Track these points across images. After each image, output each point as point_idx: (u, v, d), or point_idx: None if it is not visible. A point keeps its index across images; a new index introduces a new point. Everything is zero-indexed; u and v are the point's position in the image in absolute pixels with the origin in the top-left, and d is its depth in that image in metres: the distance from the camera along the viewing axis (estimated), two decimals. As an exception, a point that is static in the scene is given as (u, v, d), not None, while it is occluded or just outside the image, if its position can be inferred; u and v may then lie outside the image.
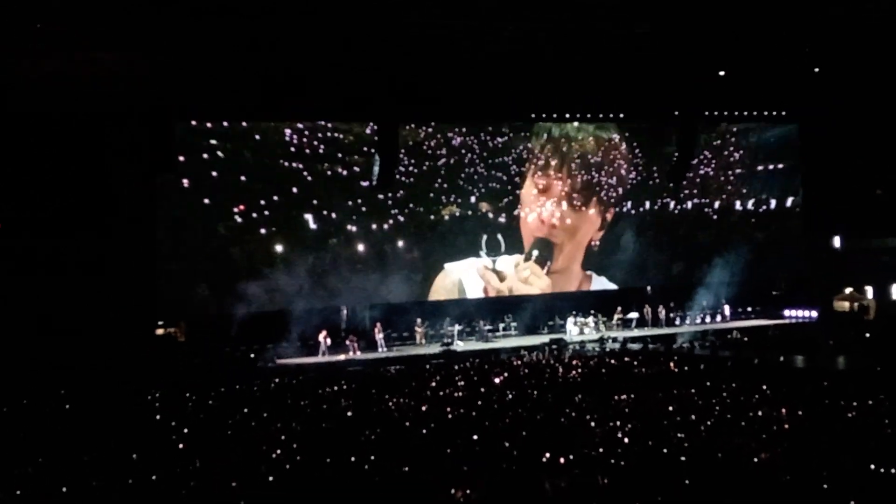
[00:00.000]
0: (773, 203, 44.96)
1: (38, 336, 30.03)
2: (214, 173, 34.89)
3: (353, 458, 14.00)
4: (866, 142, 39.75)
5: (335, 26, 26.09)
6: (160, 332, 35.33)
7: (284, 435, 16.83)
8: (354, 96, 33.18)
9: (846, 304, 42.96)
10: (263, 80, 30.89)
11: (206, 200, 34.90)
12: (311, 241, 36.68)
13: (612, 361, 28.57)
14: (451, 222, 39.13)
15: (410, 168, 38.07)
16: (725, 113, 41.57)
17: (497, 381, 24.37)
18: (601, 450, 13.83)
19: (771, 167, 44.61)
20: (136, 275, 32.64)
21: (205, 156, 34.80)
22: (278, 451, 15.07)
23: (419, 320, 38.02)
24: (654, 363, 27.42)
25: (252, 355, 33.68)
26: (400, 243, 38.37)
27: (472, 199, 39.41)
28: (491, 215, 39.73)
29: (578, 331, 39.55)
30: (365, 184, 37.03)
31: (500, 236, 39.77)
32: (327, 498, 12.00)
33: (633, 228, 41.97)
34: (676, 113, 39.46)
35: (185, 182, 34.70)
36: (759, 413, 16.88)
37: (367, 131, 37.02)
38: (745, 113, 41.81)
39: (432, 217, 38.84)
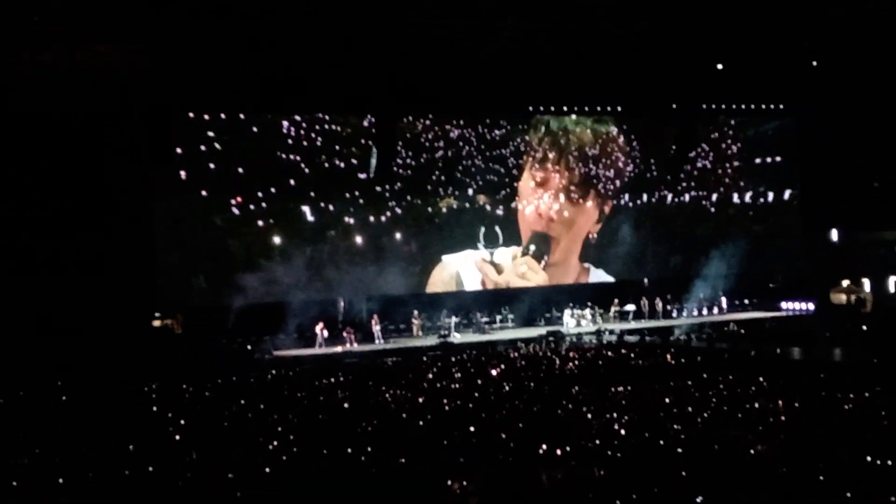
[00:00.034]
0: (770, 196, 44.99)
1: (35, 329, 30.05)
2: (212, 165, 34.86)
3: (349, 450, 14.00)
4: (864, 135, 39.73)
5: (333, 21, 26.08)
6: (157, 323, 35.41)
7: (281, 427, 16.81)
8: (352, 89, 33.14)
9: (843, 297, 43.01)
10: (261, 73, 30.88)
11: (204, 192, 34.91)
12: (309, 234, 36.71)
13: (609, 353, 28.56)
14: (449, 215, 39.14)
15: (408, 160, 38.08)
16: (723, 106, 41.57)
17: (494, 373, 24.36)
18: (598, 442, 13.83)
19: (768, 160, 44.62)
20: (132, 267, 32.66)
21: (202, 148, 34.79)
22: (275, 443, 15.06)
23: (416, 312, 38.02)
24: (651, 355, 27.40)
25: (249, 347, 33.70)
26: (397, 235, 38.42)
27: (470, 191, 39.43)
28: (488, 208, 39.73)
29: (575, 323, 39.52)
30: (362, 176, 37.06)
31: (497, 228, 39.78)
32: (324, 489, 11.98)
33: (630, 221, 42.00)
34: (674, 106, 39.44)
35: (183, 174, 34.72)
36: (756, 405, 16.87)
37: (365, 124, 37.01)
38: (743, 106, 41.81)
39: (430, 209, 38.84)
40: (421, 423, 16.58)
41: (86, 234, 32.23)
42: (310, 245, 36.42)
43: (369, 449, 14.01)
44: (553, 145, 40.91)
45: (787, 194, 45.17)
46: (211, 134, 35.03)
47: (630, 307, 41.71)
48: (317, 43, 27.98)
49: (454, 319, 38.22)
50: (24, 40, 25.98)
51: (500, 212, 39.94)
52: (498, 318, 39.90)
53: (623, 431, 14.72)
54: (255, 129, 35.89)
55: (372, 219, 37.71)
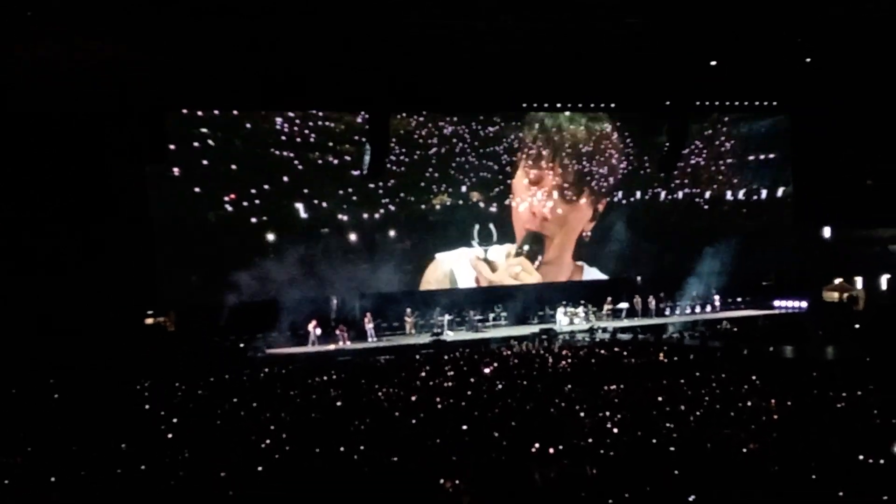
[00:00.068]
0: (763, 193, 45.00)
1: (27, 327, 29.95)
2: (205, 162, 34.79)
3: (342, 448, 14.00)
4: (857, 132, 39.74)
5: (327, 18, 26.00)
6: (150, 321, 35.31)
7: (274, 425, 16.82)
8: (345, 86, 33.08)
9: (836, 295, 43.07)
10: (255, 69, 30.80)
11: (197, 189, 34.84)
12: (302, 231, 36.59)
13: (602, 352, 28.63)
14: (443, 212, 39.10)
15: (401, 157, 38.01)
16: (717, 103, 41.50)
17: (487, 371, 24.40)
18: (590, 440, 13.85)
19: (762, 157, 44.62)
20: (125, 264, 32.55)
21: (195, 144, 34.70)
22: (268, 441, 15.07)
23: (409, 310, 38.01)
24: (644, 353, 27.46)
25: (242, 345, 33.69)
26: (391, 233, 38.31)
27: (464, 188, 39.38)
28: (482, 205, 39.71)
29: (568, 321, 39.55)
30: (356, 173, 36.98)
31: (492, 226, 39.76)
32: (317, 488, 11.98)
33: (623, 218, 41.93)
34: (668, 103, 39.41)
35: (176, 171, 34.61)
36: (749, 403, 16.92)
37: (358, 120, 36.93)
38: (737, 103, 41.77)
39: (423, 207, 38.80)
40: (413, 421, 16.60)
41: (78, 232, 32.18)
42: (303, 242, 36.29)
43: (362, 447, 14.02)
44: (547, 143, 40.88)
45: (780, 191, 45.19)
46: (204, 130, 34.95)
47: (623, 305, 41.75)
48: (310, 39, 27.88)
49: (447, 317, 38.25)
50: (17, 36, 25.86)
51: (493, 209, 39.90)
52: (491, 316, 39.91)
53: (616, 430, 14.75)
54: (248, 125, 35.80)
55: (365, 216, 37.63)
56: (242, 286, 33.97)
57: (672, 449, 13.05)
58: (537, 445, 13.35)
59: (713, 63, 33.37)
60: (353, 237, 37.59)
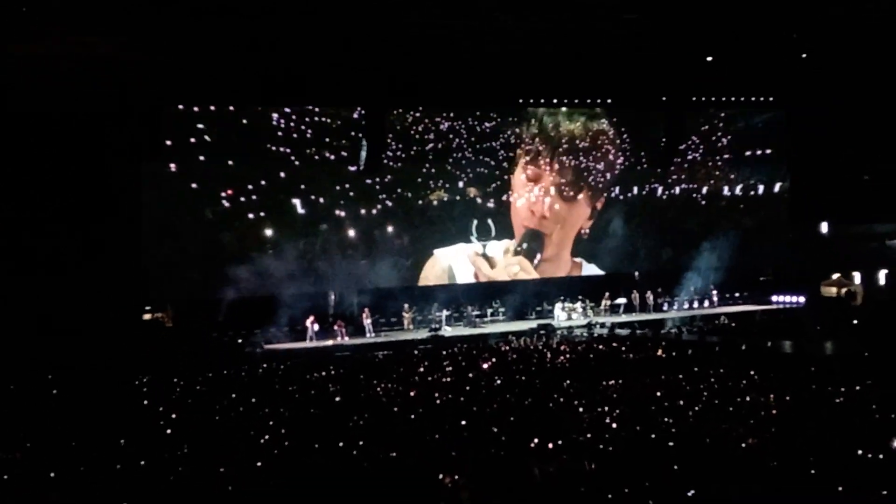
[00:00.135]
0: (760, 189, 45.04)
1: (25, 323, 29.90)
2: (202, 158, 34.75)
3: (341, 444, 13.99)
4: (854, 128, 39.73)
5: (324, 14, 25.99)
6: (147, 317, 35.32)
7: (272, 420, 16.80)
8: (342, 82, 33.07)
9: (833, 290, 43.11)
10: (251, 65, 30.78)
11: (194, 185, 34.81)
12: (300, 226, 36.63)
13: (600, 347, 28.61)
14: (440, 207, 39.11)
15: (398, 153, 38.00)
16: (713, 98, 41.52)
17: (485, 366, 24.39)
18: (589, 435, 13.83)
19: (759, 153, 44.64)
20: (122, 260, 32.55)
21: (192, 140, 34.65)
22: (266, 437, 15.04)
23: (406, 306, 38.03)
24: (642, 349, 27.45)
25: (240, 340, 33.66)
26: (389, 228, 38.32)
27: (460, 184, 39.39)
28: (479, 200, 39.72)
29: (566, 316, 39.62)
30: (353, 169, 36.98)
31: (490, 221, 39.77)
32: (316, 483, 11.97)
33: (621, 214, 41.98)
34: (664, 98, 39.41)
35: (173, 167, 34.59)
36: (747, 398, 16.91)
37: (355, 116, 36.91)
38: (733, 98, 41.77)
39: (420, 202, 38.80)
40: (412, 416, 16.58)
41: (75, 229, 32.13)
42: (300, 238, 36.34)
43: (360, 443, 14.00)
44: (544, 140, 40.88)
45: (777, 187, 45.22)
46: (201, 126, 34.91)
47: (621, 300, 41.84)
48: (306, 36, 27.89)
49: (445, 313, 38.28)
50: (14, 35, 25.84)
51: (491, 204, 39.93)
52: (489, 311, 39.98)
53: (614, 425, 14.73)
54: (244, 121, 35.77)
55: (363, 212, 37.64)
56: (240, 282, 33.96)
57: (671, 444, 13.03)
58: (536, 440, 13.34)
59: (709, 59, 33.36)
60: (350, 233, 37.58)
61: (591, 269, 42.43)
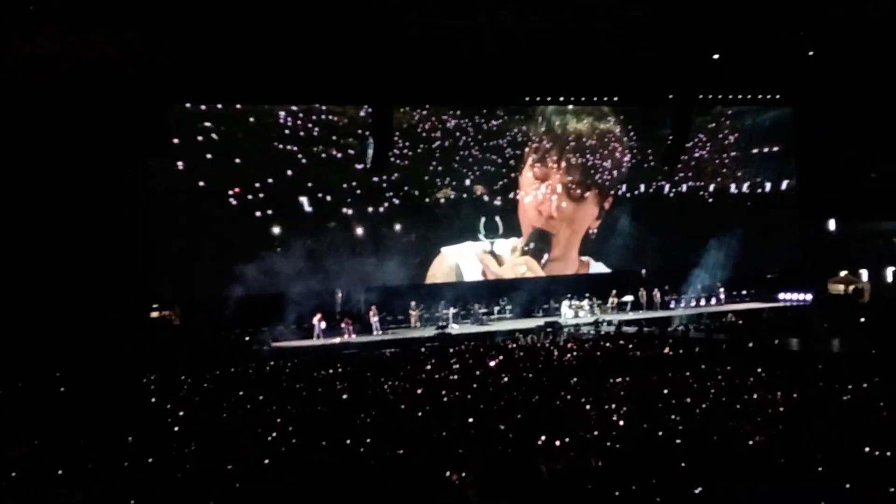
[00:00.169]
0: (768, 186, 45.00)
1: (33, 321, 29.93)
2: (209, 155, 34.83)
3: (348, 442, 13.99)
4: (861, 125, 39.64)
5: (332, 11, 26.00)
6: (155, 315, 35.34)
7: (280, 418, 16.81)
8: (349, 80, 33.07)
9: (841, 287, 42.97)
10: (258, 63, 30.79)
11: (201, 183, 34.88)
12: (307, 224, 36.65)
13: (607, 344, 28.55)
14: (447, 205, 39.11)
15: (405, 151, 38.03)
16: (720, 96, 41.48)
17: (492, 364, 24.35)
18: (596, 433, 13.82)
19: (766, 150, 44.65)
20: (130, 258, 32.59)
21: (199, 138, 34.74)
22: (273, 434, 15.06)
23: (413, 303, 38.02)
24: (649, 346, 27.41)
25: (247, 338, 33.69)
26: (396, 226, 38.34)
27: (467, 181, 39.41)
28: (486, 198, 39.74)
29: (573, 314, 39.57)
30: (359, 167, 36.98)
31: (498, 219, 39.77)
32: (323, 481, 11.98)
33: (628, 212, 41.94)
34: (671, 96, 39.35)
35: (180, 164, 34.67)
36: (754, 396, 16.88)
37: (361, 114, 36.93)
38: (740, 96, 41.73)
39: (427, 200, 38.82)
40: (419, 414, 16.58)
41: (82, 227, 32.16)
42: (308, 236, 36.36)
43: (368, 440, 14.01)
44: (553, 139, 40.88)
45: (784, 184, 45.19)
46: (208, 124, 34.98)
47: (628, 298, 41.76)
48: (314, 34, 27.92)
49: (452, 310, 38.28)
50: (18, 29, 25.85)
51: (498, 202, 39.96)
52: (496, 309, 39.96)
53: (621, 422, 14.71)
54: (251, 119, 35.85)
55: (370, 210, 37.68)
56: (247, 280, 33.98)
57: (678, 441, 13.03)
58: (543, 438, 13.34)
59: (716, 56, 33.32)
60: (357, 231, 37.61)
61: (598, 268, 42.41)
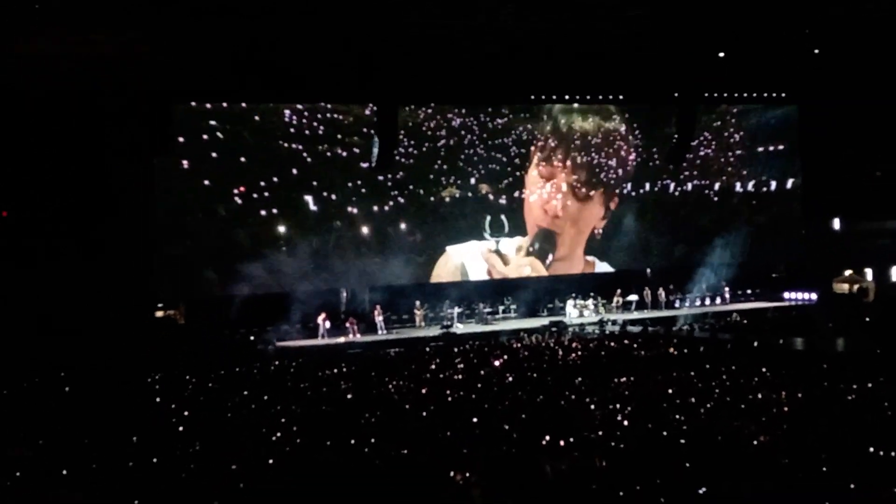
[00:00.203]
0: (773, 185, 44.91)
1: (38, 320, 29.96)
2: (214, 154, 34.81)
3: (352, 441, 14.02)
4: (866, 124, 39.58)
5: (337, 9, 25.99)
6: (160, 314, 35.39)
7: (284, 417, 16.84)
8: (354, 78, 33.06)
9: (846, 287, 43.00)
10: (263, 62, 30.78)
11: (206, 182, 34.85)
12: (312, 223, 36.61)
13: (612, 344, 28.60)
14: (452, 204, 39.06)
15: (410, 149, 37.98)
16: (725, 94, 41.43)
17: (496, 363, 24.40)
18: (601, 432, 13.85)
19: (771, 149, 44.56)
20: (132, 258, 32.61)
21: (204, 137, 34.72)
22: (278, 434, 15.09)
23: (418, 303, 37.98)
24: (654, 346, 27.44)
25: (252, 338, 33.70)
26: (401, 225, 38.29)
27: (472, 180, 39.36)
28: (491, 197, 39.69)
29: (578, 313, 39.55)
30: (365, 165, 36.96)
31: (503, 217, 39.75)
32: (327, 481, 12.00)
33: (633, 211, 41.89)
34: (676, 94, 39.31)
35: (185, 163, 34.64)
36: (759, 395, 16.91)
37: (367, 113, 36.91)
38: (745, 94, 41.68)
39: (432, 199, 38.77)
40: (424, 413, 16.60)
41: (85, 226, 32.18)
42: (313, 235, 36.35)
43: (372, 440, 14.03)
44: (557, 137, 40.85)
45: (789, 183, 45.10)
46: (213, 123, 34.98)
47: (633, 297, 41.71)
48: (315, 33, 27.91)
49: (457, 310, 38.25)
50: (19, 29, 25.86)
51: (503, 201, 39.89)
52: (500, 308, 39.92)
53: (626, 422, 14.75)
54: (256, 118, 35.83)
55: (375, 208, 37.63)
56: (252, 279, 34.00)
57: (682, 441, 13.05)
58: (547, 438, 13.36)
59: (721, 55, 33.29)
60: (362, 230, 37.58)
61: (603, 268, 42.37)
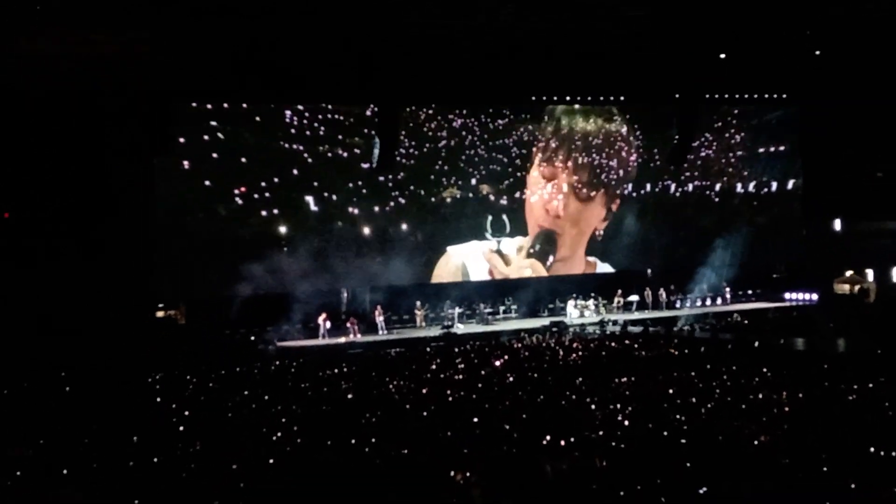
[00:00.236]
0: (774, 185, 44.92)
1: (38, 320, 29.96)
2: (215, 155, 34.80)
3: (353, 441, 14.02)
4: (868, 124, 39.58)
5: (337, 10, 26.00)
6: (160, 314, 35.37)
7: (285, 418, 16.84)
8: (355, 79, 33.06)
9: (847, 287, 43.01)
10: (263, 62, 30.80)
11: (207, 182, 34.82)
12: (313, 224, 36.59)
13: (613, 344, 28.59)
14: (453, 205, 39.04)
15: (411, 150, 37.98)
16: (726, 95, 41.43)
17: (497, 363, 24.40)
18: (601, 432, 13.85)
19: (772, 149, 44.55)
20: (132, 258, 32.61)
21: (205, 137, 34.70)
22: (278, 434, 15.09)
23: (419, 303, 37.96)
24: (655, 346, 27.44)
25: (252, 338, 33.70)
26: (402, 226, 38.25)
27: (473, 181, 39.34)
28: (492, 198, 39.67)
29: (579, 314, 39.53)
30: (365, 166, 36.95)
31: (505, 217, 39.73)
32: (328, 481, 12.00)
33: (634, 211, 41.88)
34: (677, 95, 39.30)
35: (186, 164, 34.62)
36: (759, 396, 16.91)
37: (367, 113, 36.90)
38: (746, 95, 41.67)
39: (433, 200, 38.74)
40: (424, 413, 16.61)
41: (89, 225, 32.20)
42: (313, 235, 36.33)
43: (373, 440, 14.03)
44: (560, 139, 40.84)
45: (790, 184, 45.10)
46: (214, 124, 34.97)
47: (633, 298, 41.70)
48: (314, 33, 27.92)
49: (457, 310, 38.23)
50: (19, 29, 25.87)
51: (504, 202, 39.87)
52: (501, 308, 39.90)
53: (626, 422, 14.76)
54: (257, 118, 35.81)
55: (376, 209, 37.60)
56: (253, 279, 33.98)
57: (683, 441, 13.05)
58: (548, 438, 13.37)
59: (722, 56, 33.29)
60: (363, 230, 37.55)
61: (604, 269, 42.36)
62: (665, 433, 13.64)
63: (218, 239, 34.96)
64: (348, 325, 35.44)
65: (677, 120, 40.93)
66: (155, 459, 13.37)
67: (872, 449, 12.03)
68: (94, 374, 24.89)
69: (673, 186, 43.12)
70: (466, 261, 39.52)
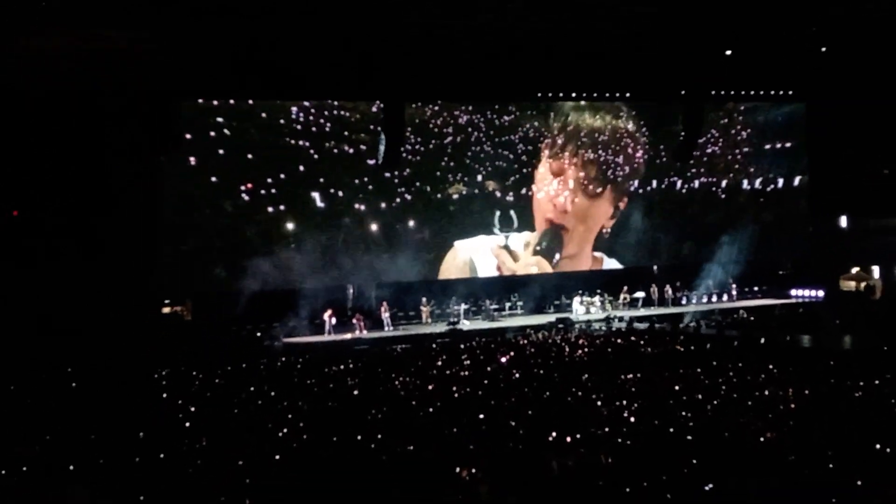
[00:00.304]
0: (780, 182, 44.90)
1: (45, 316, 29.99)
2: (221, 151, 34.84)
3: (359, 437, 14.03)
4: (874, 121, 39.50)
5: (331, 10, 26.00)
6: (167, 310, 35.43)
7: (291, 414, 16.85)
8: (360, 75, 33.05)
9: (853, 284, 42.95)
10: (270, 58, 30.78)
11: (214, 178, 34.88)
12: (319, 220, 36.63)
13: (619, 341, 28.56)
14: (460, 201, 39.06)
15: (417, 146, 38.01)
16: (732, 92, 41.35)
17: (503, 360, 24.38)
18: (607, 429, 13.84)
19: (778, 146, 44.53)
20: (137, 255, 32.65)
21: (211, 134, 34.74)
22: (285, 430, 15.10)
23: (425, 299, 38.00)
24: (661, 342, 27.40)
25: (258, 334, 33.76)
26: (409, 222, 38.29)
27: (479, 177, 39.35)
28: (498, 194, 39.66)
29: (585, 310, 39.58)
30: (371, 162, 36.97)
31: (512, 213, 39.73)
32: (333, 477, 12.01)
33: (640, 208, 41.90)
34: (683, 92, 39.25)
35: (192, 160, 34.67)
36: (765, 392, 16.88)
37: (373, 110, 36.92)
38: (752, 92, 41.61)
39: (439, 196, 38.76)
40: (430, 410, 16.61)
41: (93, 224, 32.24)
42: (320, 231, 36.38)
43: (378, 436, 14.04)
44: (567, 137, 40.83)
45: (796, 180, 45.07)
46: (220, 120, 35.01)
47: (639, 294, 41.73)
48: (314, 32, 27.91)
49: (463, 306, 38.26)
50: (20, 28, 25.88)
51: (510, 198, 39.87)
52: (507, 304, 39.95)
53: (632, 419, 14.73)
54: (263, 114, 35.85)
55: (382, 205, 37.65)
56: (259, 275, 34.04)
57: (688, 438, 13.04)
58: (554, 434, 13.36)
59: (728, 53, 33.25)
60: (369, 226, 37.60)
61: (611, 265, 42.36)
62: (671, 430, 13.62)
63: (224, 235, 35.05)
64: (354, 321, 35.49)
65: (683, 116, 40.87)
66: (161, 456, 13.38)
67: (878, 446, 12.02)
68: (100, 370, 24.91)
69: (679, 183, 43.10)
70: (474, 256, 39.53)
